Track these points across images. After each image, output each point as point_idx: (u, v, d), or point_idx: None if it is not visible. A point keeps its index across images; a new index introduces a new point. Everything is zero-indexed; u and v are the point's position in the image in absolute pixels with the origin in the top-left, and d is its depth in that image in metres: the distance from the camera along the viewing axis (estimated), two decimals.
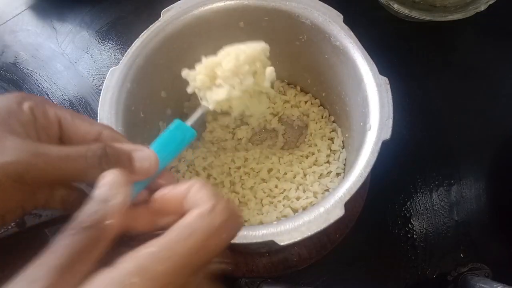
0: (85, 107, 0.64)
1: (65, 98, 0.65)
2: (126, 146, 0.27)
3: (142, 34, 0.46)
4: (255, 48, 0.35)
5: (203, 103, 0.36)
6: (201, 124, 0.58)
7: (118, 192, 0.22)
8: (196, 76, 0.35)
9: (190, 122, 0.33)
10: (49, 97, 0.65)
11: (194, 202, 0.22)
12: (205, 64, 0.35)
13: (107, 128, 0.29)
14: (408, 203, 0.56)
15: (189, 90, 0.36)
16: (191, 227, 0.21)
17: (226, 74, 0.34)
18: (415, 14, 0.58)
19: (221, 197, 0.23)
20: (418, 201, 0.56)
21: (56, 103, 0.30)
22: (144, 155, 0.26)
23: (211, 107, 0.35)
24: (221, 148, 0.56)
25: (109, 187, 0.22)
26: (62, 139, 0.28)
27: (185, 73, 0.36)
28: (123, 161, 0.25)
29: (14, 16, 0.73)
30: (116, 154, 0.25)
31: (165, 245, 0.20)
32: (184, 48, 0.48)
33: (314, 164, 0.53)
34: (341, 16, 0.45)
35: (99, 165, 0.24)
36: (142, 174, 0.26)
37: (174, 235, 0.21)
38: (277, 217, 0.49)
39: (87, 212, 0.20)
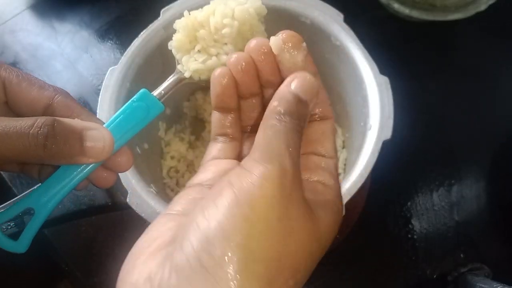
0: (84, 106, 0.64)
1: None
2: (78, 123, 0.24)
3: (142, 33, 0.46)
4: (246, 10, 0.29)
5: (178, 67, 0.30)
6: (199, 124, 0.58)
7: None
8: (173, 35, 0.30)
9: (159, 92, 0.28)
10: None
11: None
12: (185, 22, 0.29)
13: (60, 92, 0.26)
14: (409, 203, 0.55)
15: (169, 46, 0.31)
16: None
17: (206, 42, 0.29)
18: (415, 14, 0.58)
19: None
20: (419, 201, 0.56)
21: (1, 61, 0.26)
22: (98, 135, 0.24)
23: (186, 74, 0.30)
24: None
25: None
26: (8, 104, 0.25)
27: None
28: (72, 142, 0.22)
29: (14, 16, 0.73)
30: (65, 133, 0.22)
31: None
32: None
33: None
34: (342, 16, 0.45)
35: (44, 146, 0.21)
36: (93, 157, 0.23)
37: None
38: None
39: None
